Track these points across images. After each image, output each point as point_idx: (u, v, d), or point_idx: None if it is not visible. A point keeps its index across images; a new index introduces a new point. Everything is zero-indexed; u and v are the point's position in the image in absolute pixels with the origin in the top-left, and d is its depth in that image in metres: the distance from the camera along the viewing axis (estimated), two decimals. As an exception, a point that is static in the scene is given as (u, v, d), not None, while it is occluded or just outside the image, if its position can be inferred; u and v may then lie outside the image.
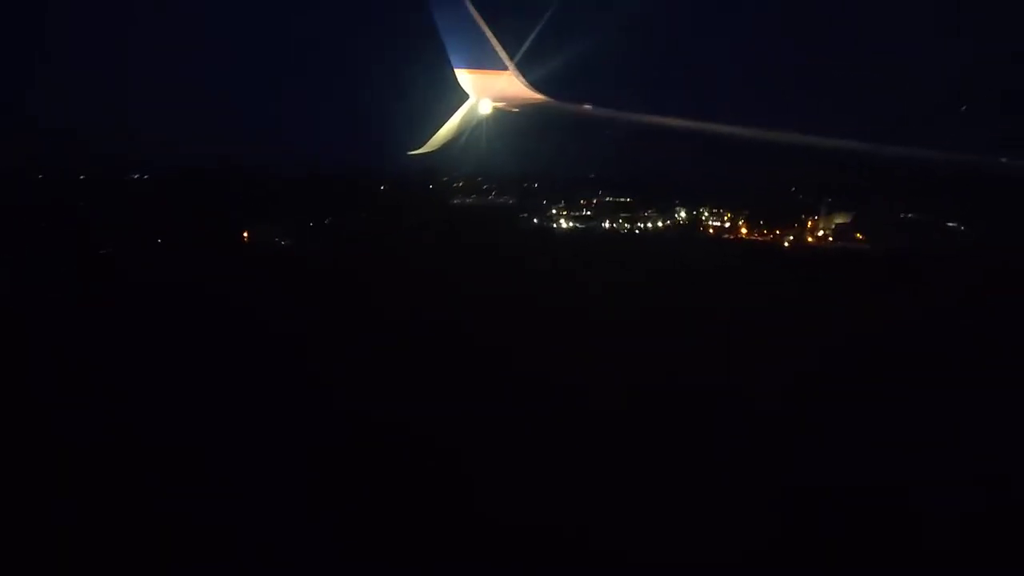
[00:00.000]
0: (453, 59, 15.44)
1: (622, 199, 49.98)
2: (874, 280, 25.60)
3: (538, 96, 15.27)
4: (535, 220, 50.07)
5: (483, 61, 15.33)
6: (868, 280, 25.90)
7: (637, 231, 52.81)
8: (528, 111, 15.23)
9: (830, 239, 48.71)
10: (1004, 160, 12.35)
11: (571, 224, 52.05)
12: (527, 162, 35.30)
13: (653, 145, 16.03)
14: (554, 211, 50.88)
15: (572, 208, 50.66)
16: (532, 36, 15.54)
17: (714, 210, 50.25)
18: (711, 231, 53.53)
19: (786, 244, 50.40)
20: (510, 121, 15.40)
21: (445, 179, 40.42)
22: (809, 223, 47.94)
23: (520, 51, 15.45)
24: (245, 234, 40.20)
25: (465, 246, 32.42)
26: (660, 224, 50.62)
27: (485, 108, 15.40)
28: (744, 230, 52.38)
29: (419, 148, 16.00)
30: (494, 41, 15.25)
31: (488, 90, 15.36)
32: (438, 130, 15.78)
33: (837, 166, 15.98)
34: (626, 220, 50.72)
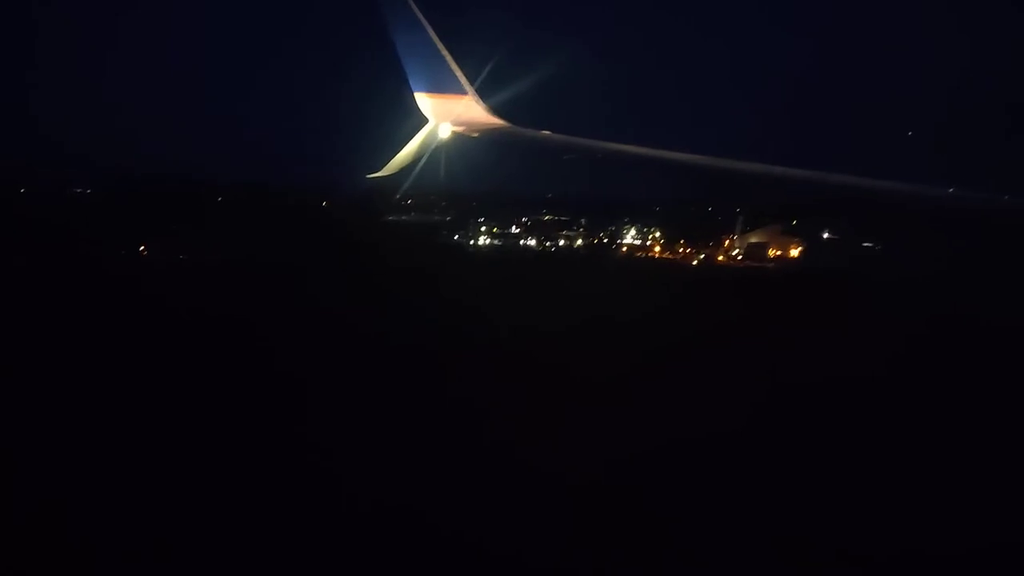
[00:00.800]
0: (413, 83, 15.60)
1: (553, 218, 50.75)
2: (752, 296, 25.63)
3: (498, 121, 15.53)
4: (455, 236, 50.63)
5: (443, 85, 15.54)
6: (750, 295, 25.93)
7: (553, 248, 53.68)
8: (488, 136, 15.49)
9: (739, 258, 50.19)
10: (948, 191, 13.14)
11: (488, 240, 52.74)
12: (482, 184, 35.67)
13: (606, 170, 16.49)
14: (483, 228, 51.23)
15: (503, 226, 51.11)
16: (492, 62, 15.79)
17: (643, 229, 51.29)
18: (624, 249, 54.68)
19: (694, 262, 51.62)
20: (469, 145, 15.65)
21: (397, 197, 40.62)
22: (726, 242, 49.22)
23: (480, 76, 15.69)
24: (142, 248, 39.35)
25: (355, 256, 32.19)
26: (580, 242, 51.68)
27: (444, 132, 15.60)
28: (657, 248, 53.69)
29: (378, 171, 16.13)
30: (454, 66, 15.45)
31: (448, 114, 15.57)
32: (397, 153, 15.94)
33: (777, 191, 16.74)
34: (546, 238, 51.70)
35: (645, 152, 15.42)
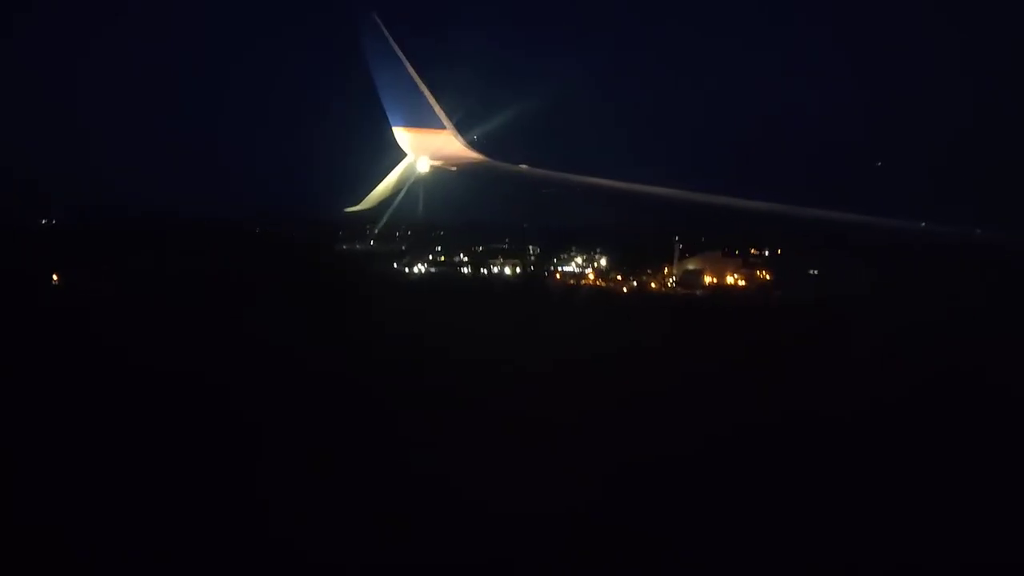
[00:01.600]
0: (392, 118, 15.71)
1: (505, 247, 51.11)
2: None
3: (476, 155, 15.73)
4: (394, 264, 50.83)
5: (422, 120, 15.69)
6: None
7: (485, 273, 54.14)
8: (466, 169, 15.69)
9: (669, 285, 50.98)
10: (920, 224, 13.75)
11: (423, 268, 53.07)
12: (460, 217, 35.90)
13: (581, 202, 16.81)
14: (430, 257, 51.48)
15: (452, 254, 51.38)
16: (470, 97, 16.01)
17: (591, 256, 51.84)
18: (557, 276, 55.23)
19: (624, 289, 52.23)
20: (447, 179, 15.83)
21: (368, 227, 40.95)
22: (666, 270, 49.91)
23: (458, 111, 15.89)
24: (54, 276, 38.59)
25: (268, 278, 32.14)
26: (518, 269, 52.13)
27: (423, 166, 15.74)
28: (591, 275, 54.34)
29: (356, 205, 16.18)
30: (432, 101, 15.62)
31: (426, 149, 15.71)
32: (375, 187, 16.03)
33: (745, 223, 17.30)
34: (482, 265, 52.11)
35: (618, 185, 15.81)
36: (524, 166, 15.71)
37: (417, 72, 15.52)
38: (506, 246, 50.74)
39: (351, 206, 16.39)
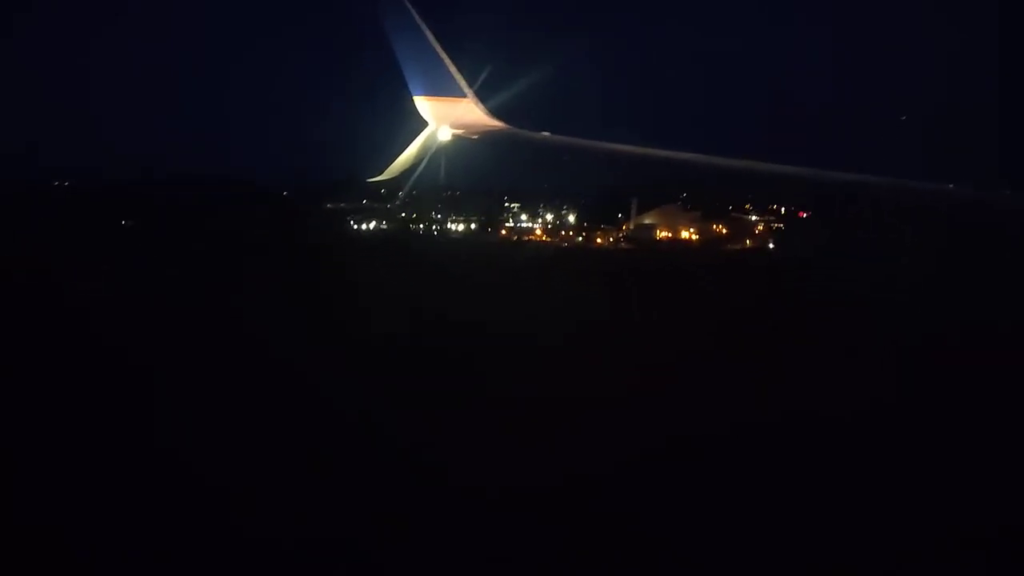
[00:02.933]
0: (412, 87, 15.57)
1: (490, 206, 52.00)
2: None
3: (497, 123, 15.69)
4: (351, 222, 50.92)
5: (442, 88, 15.56)
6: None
7: (436, 232, 54.47)
8: (487, 137, 15.64)
9: (612, 239, 51.36)
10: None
11: (375, 224, 53.40)
12: (481, 184, 36.03)
13: (601, 168, 16.91)
14: (404, 215, 52.28)
15: (421, 214, 52.00)
16: (491, 64, 15.92)
17: (560, 214, 52.22)
18: (503, 232, 55.49)
19: (565, 244, 52.70)
20: (468, 147, 15.77)
21: (383, 191, 41.58)
22: (624, 226, 50.26)
23: (479, 79, 15.79)
24: None
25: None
26: (470, 226, 52.14)
27: (444, 135, 15.66)
28: (538, 231, 54.58)
29: (378, 175, 16.06)
30: (453, 69, 15.50)
31: (447, 117, 15.62)
32: (397, 157, 15.91)
33: (759, 187, 17.61)
34: (435, 223, 52.23)
35: (636, 151, 15.90)
36: (545, 133, 15.70)
37: (437, 40, 15.37)
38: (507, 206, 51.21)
39: (374, 176, 16.26)
